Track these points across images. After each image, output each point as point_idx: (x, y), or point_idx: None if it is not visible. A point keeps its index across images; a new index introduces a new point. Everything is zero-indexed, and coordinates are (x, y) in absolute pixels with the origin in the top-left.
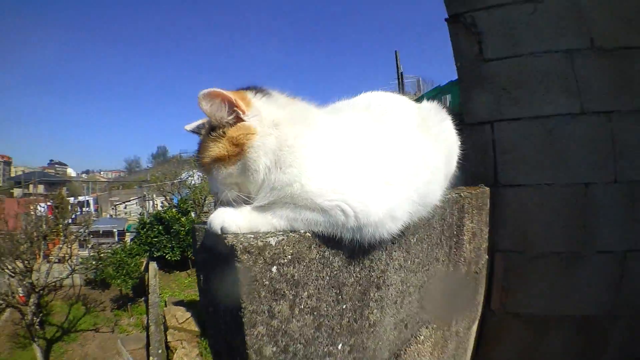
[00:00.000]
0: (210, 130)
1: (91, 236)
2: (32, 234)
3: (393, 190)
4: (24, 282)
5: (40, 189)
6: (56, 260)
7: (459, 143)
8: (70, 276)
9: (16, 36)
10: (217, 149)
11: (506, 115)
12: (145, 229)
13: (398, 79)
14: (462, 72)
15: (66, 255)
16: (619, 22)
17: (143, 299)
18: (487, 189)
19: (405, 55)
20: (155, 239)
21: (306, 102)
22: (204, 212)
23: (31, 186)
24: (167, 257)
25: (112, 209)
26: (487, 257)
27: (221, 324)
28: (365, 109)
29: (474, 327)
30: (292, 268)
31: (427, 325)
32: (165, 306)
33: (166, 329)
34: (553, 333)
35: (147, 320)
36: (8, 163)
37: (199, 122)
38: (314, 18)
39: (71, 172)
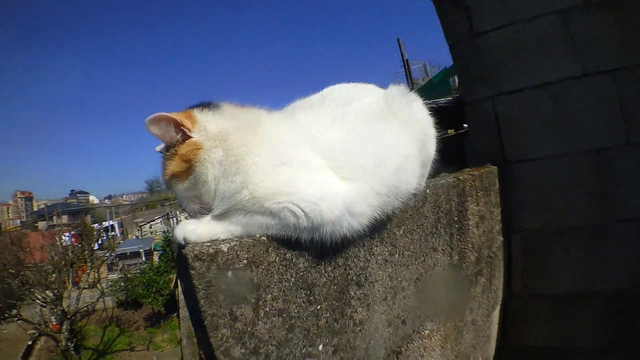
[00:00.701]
0: (166, 150)
1: (118, 259)
2: (60, 263)
3: (351, 185)
4: (56, 310)
5: (64, 219)
6: (86, 287)
7: (434, 127)
8: (101, 300)
9: (28, 68)
10: (172, 166)
11: (506, 88)
12: (170, 247)
13: (404, 66)
14: (456, 50)
15: (95, 281)
16: None
17: (175, 314)
18: (495, 167)
19: (410, 42)
20: None
21: (257, 109)
22: None
23: (55, 217)
24: None
25: (138, 230)
26: (501, 239)
27: (196, 332)
28: (320, 105)
29: (495, 314)
30: (249, 272)
31: (431, 319)
32: None
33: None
34: (583, 311)
35: (180, 334)
36: (29, 198)
37: (161, 145)
38: (315, 9)
39: (94, 199)
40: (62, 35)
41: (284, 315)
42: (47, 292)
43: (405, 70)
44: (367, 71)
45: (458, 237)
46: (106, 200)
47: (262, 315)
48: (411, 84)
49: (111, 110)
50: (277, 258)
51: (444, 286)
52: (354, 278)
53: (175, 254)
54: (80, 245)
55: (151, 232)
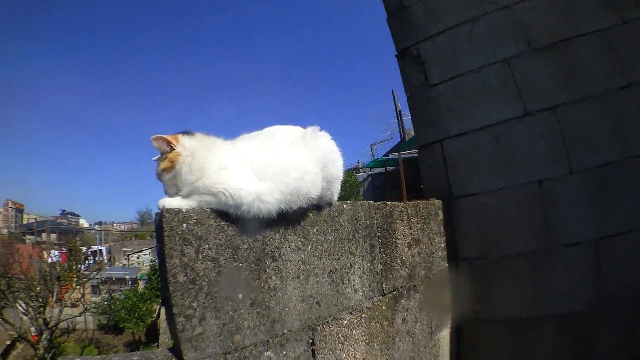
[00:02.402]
0: (160, 156)
1: (104, 283)
2: (46, 274)
3: (263, 184)
4: (37, 318)
5: (53, 238)
6: (69, 304)
7: (339, 153)
8: (83, 318)
9: (33, 83)
10: (163, 164)
11: (452, 132)
12: (156, 275)
13: (397, 117)
14: (412, 101)
15: (78, 299)
16: (553, 17)
17: (156, 343)
18: (438, 201)
19: (404, 95)
20: None
21: (215, 137)
22: None
23: (44, 234)
24: None
25: (125, 258)
26: (446, 265)
27: (160, 267)
28: (254, 137)
29: (443, 335)
30: (196, 227)
31: (350, 312)
32: None
33: None
34: (535, 335)
35: None
36: (20, 210)
37: (157, 156)
38: (306, 66)
39: (83, 222)
40: (66, 40)
41: (215, 262)
42: (31, 300)
43: (397, 120)
44: (360, 121)
45: (382, 249)
46: (96, 226)
47: (201, 257)
48: (403, 134)
49: (110, 135)
50: (214, 223)
51: (363, 287)
52: (270, 252)
53: (157, 218)
54: (68, 263)
55: (138, 263)
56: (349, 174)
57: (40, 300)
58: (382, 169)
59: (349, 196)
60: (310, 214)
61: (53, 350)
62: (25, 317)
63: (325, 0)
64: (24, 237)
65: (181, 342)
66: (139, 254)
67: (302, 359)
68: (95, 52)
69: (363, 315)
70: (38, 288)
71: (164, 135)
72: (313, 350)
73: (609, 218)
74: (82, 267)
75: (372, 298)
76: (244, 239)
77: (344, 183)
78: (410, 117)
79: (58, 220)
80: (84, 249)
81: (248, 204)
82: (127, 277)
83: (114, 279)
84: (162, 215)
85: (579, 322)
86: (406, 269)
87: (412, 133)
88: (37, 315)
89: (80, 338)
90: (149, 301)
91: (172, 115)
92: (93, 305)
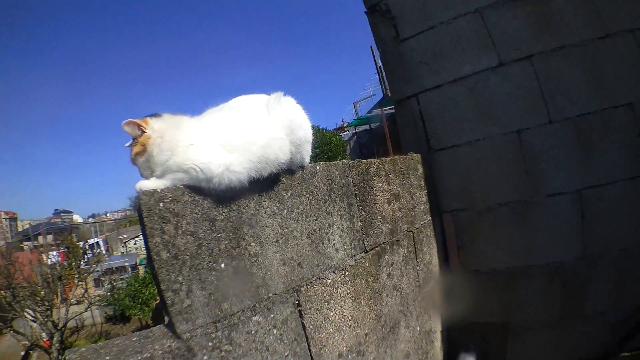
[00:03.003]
0: (132, 141)
1: (105, 274)
2: (48, 277)
3: (231, 155)
4: (46, 322)
5: (49, 239)
6: (74, 302)
7: (306, 116)
8: (90, 313)
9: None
10: (136, 149)
11: (427, 86)
12: None
13: (378, 73)
14: (385, 57)
15: (82, 295)
16: None
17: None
18: (417, 155)
19: None
20: None
21: (182, 115)
22: None
23: (40, 237)
24: None
25: (123, 246)
26: (429, 218)
27: (145, 246)
28: (219, 110)
29: (430, 287)
30: (172, 205)
31: (333, 271)
32: None
33: None
34: (523, 286)
35: None
36: (14, 219)
37: (130, 141)
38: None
39: (77, 218)
40: (42, 39)
41: (194, 235)
42: (37, 306)
43: (378, 76)
44: (343, 79)
45: (360, 207)
46: (90, 219)
47: (180, 233)
48: (385, 90)
49: (90, 128)
50: (190, 198)
51: (344, 245)
52: (246, 220)
53: (135, 201)
54: (67, 261)
55: (136, 248)
56: (333, 133)
57: (47, 303)
58: (367, 127)
59: (336, 156)
60: (283, 179)
61: (66, 352)
62: (34, 325)
63: None
64: (21, 245)
65: (172, 316)
66: (136, 239)
67: (290, 320)
68: (63, 38)
69: (347, 273)
70: (42, 292)
71: (134, 120)
72: (300, 311)
73: (592, 169)
74: (82, 262)
75: (354, 256)
76: (220, 210)
77: (329, 143)
78: None
79: (52, 221)
80: (81, 244)
81: (218, 175)
82: (126, 264)
83: (114, 269)
84: (139, 197)
85: (568, 273)
86: (387, 225)
87: None
88: (46, 319)
89: (90, 334)
90: (151, 284)
91: (144, 96)
92: (97, 298)
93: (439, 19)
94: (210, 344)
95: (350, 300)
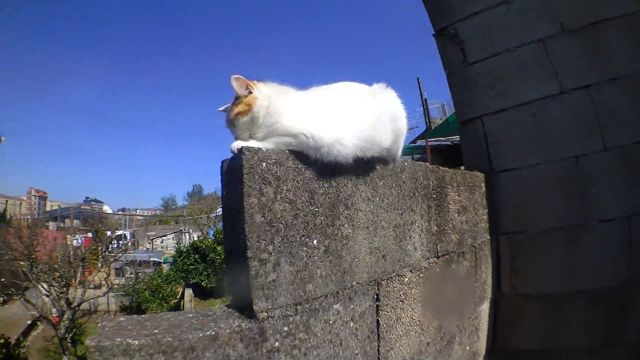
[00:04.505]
0: (235, 100)
1: (128, 264)
2: (70, 256)
3: (340, 127)
4: (60, 301)
5: (77, 223)
6: (92, 286)
7: (403, 111)
8: (106, 299)
9: (58, 70)
10: (238, 108)
11: (492, 109)
12: (181, 257)
13: (422, 104)
14: (452, 79)
15: (102, 280)
16: (584, 1)
17: None
18: (481, 174)
19: (429, 82)
20: (192, 267)
21: (288, 86)
22: None
23: (67, 220)
24: (202, 284)
25: (149, 243)
26: (488, 236)
27: (231, 212)
28: (326, 88)
29: (484, 308)
30: (275, 167)
31: (411, 270)
32: None
33: None
34: (569, 310)
35: None
36: (43, 198)
37: (225, 106)
38: (333, 46)
39: (107, 209)
40: (89, 32)
41: (292, 204)
42: (53, 282)
43: (423, 108)
44: None
45: (437, 211)
46: (119, 212)
47: (279, 198)
48: (428, 122)
49: (136, 124)
50: (293, 165)
51: (421, 245)
52: (343, 200)
53: (226, 168)
54: (92, 245)
55: (162, 247)
56: None
57: (64, 282)
58: (410, 157)
59: None
60: (378, 167)
61: (74, 331)
62: (46, 299)
63: None
64: (47, 224)
65: (252, 290)
66: (163, 238)
67: (367, 314)
68: (117, 41)
69: (421, 275)
70: (62, 270)
71: (243, 78)
72: (377, 307)
73: (637, 196)
74: (106, 249)
75: (428, 258)
76: (320, 184)
77: None
78: (435, 105)
79: (82, 207)
80: (108, 232)
81: (328, 145)
82: (151, 259)
83: (138, 262)
84: (242, 152)
85: (612, 298)
86: (456, 235)
87: (438, 121)
88: (60, 296)
89: (101, 319)
90: (173, 282)
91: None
92: (117, 286)
93: (503, 46)
94: (285, 328)
95: (420, 304)
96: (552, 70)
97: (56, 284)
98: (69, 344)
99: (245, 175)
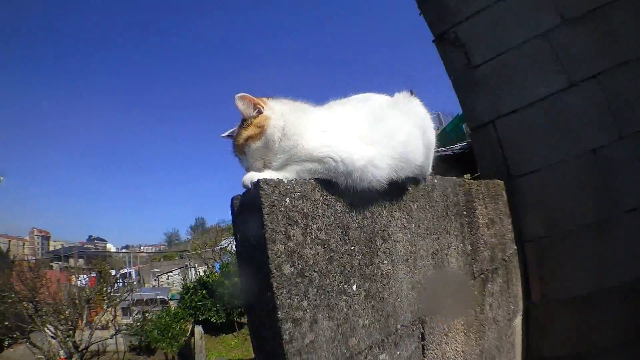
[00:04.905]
0: (242, 123)
1: (135, 302)
2: (75, 297)
3: (372, 148)
4: (67, 341)
5: (81, 262)
6: (99, 327)
7: (431, 121)
8: (114, 340)
9: (54, 109)
10: (247, 132)
11: (503, 111)
12: (189, 294)
13: None
14: (457, 84)
15: (109, 321)
16: None
17: None
18: (501, 181)
19: (423, 93)
20: (200, 303)
21: (302, 102)
22: None
23: (71, 259)
24: (212, 319)
25: (155, 280)
26: (515, 247)
27: (250, 261)
28: (346, 103)
29: (517, 322)
30: (301, 202)
31: (453, 299)
32: None
33: None
34: (601, 308)
35: None
36: (47, 238)
37: (229, 131)
38: (323, 60)
39: (111, 247)
40: (86, 69)
41: (325, 246)
42: (59, 324)
43: None
44: None
45: (469, 229)
46: (123, 249)
47: (309, 240)
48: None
49: (133, 160)
50: (321, 197)
51: (459, 269)
52: (379, 232)
53: (238, 205)
54: (97, 285)
55: (168, 283)
56: None
57: (70, 323)
58: None
59: None
60: (410, 188)
61: None
62: (53, 341)
63: None
64: (50, 264)
65: (288, 358)
66: (169, 274)
67: (413, 357)
68: (118, 75)
69: (461, 302)
70: (67, 312)
71: (250, 96)
72: (423, 347)
73: None
74: (112, 289)
75: (466, 282)
76: (354, 216)
77: None
78: (431, 116)
79: (85, 246)
80: (113, 271)
81: (360, 170)
82: (158, 297)
83: (145, 300)
84: (259, 187)
85: None
86: (488, 251)
87: (435, 132)
88: (67, 339)
89: None
90: (182, 320)
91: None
92: (124, 326)
93: (507, 45)
94: None
95: (463, 334)
96: (559, 63)
97: (62, 327)
98: None
99: (266, 216)
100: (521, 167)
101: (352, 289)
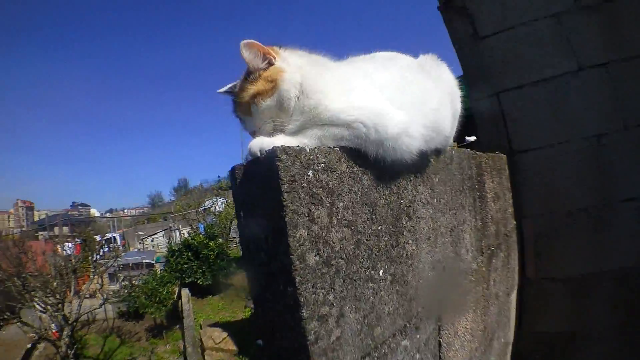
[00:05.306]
0: (247, 75)
1: (121, 268)
2: (62, 269)
3: (404, 112)
4: (57, 315)
5: (65, 230)
6: (87, 296)
7: (459, 90)
8: (103, 308)
9: (35, 76)
10: (255, 87)
11: (509, 85)
12: (174, 257)
13: None
14: (462, 53)
15: (97, 289)
16: None
17: (178, 326)
18: (503, 155)
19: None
20: (186, 266)
21: (319, 54)
22: (232, 238)
23: (56, 228)
24: (199, 282)
25: (140, 243)
26: (514, 222)
27: (259, 247)
28: (370, 59)
29: (513, 296)
30: (326, 175)
31: (465, 276)
32: (201, 329)
33: (203, 350)
34: (594, 291)
35: (184, 343)
36: (30, 208)
37: (229, 85)
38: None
39: (95, 212)
40: (65, 39)
41: (352, 227)
42: (48, 298)
43: None
44: None
45: (480, 204)
46: (107, 214)
47: (335, 222)
48: None
49: (113, 122)
50: (347, 169)
51: (471, 246)
52: (405, 208)
53: (241, 177)
54: (83, 254)
55: (153, 246)
56: None
57: (58, 296)
58: None
59: None
60: (432, 160)
61: (75, 346)
62: (44, 315)
63: None
64: (36, 234)
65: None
66: (153, 237)
67: (430, 339)
68: (94, 41)
69: (472, 279)
70: (55, 283)
71: (259, 43)
72: (439, 327)
73: None
74: (98, 256)
75: (476, 258)
76: (380, 191)
77: None
78: None
79: (69, 213)
80: (97, 237)
81: (394, 138)
82: (143, 261)
83: (131, 265)
84: (276, 157)
85: (636, 277)
86: (494, 226)
87: None
88: (56, 313)
89: (101, 328)
90: (169, 284)
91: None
92: (112, 293)
93: (517, 20)
94: None
95: (472, 311)
96: (569, 47)
97: (50, 300)
98: None
99: (285, 195)
100: (524, 144)
101: (378, 274)
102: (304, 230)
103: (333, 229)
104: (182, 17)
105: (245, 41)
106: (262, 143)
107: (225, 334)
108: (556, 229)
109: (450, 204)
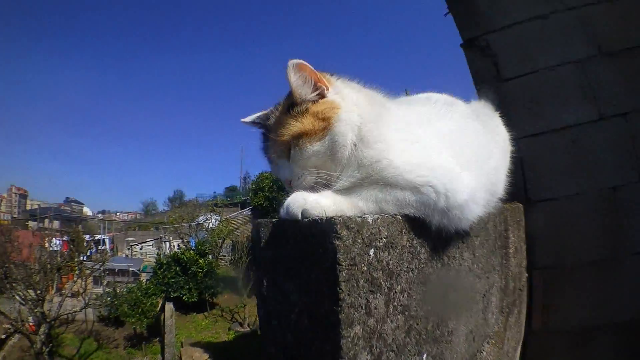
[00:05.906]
0: (288, 107)
1: (106, 273)
2: (46, 264)
3: (470, 174)
4: (35, 311)
5: (56, 224)
6: (69, 295)
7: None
8: (83, 311)
9: (40, 73)
10: (300, 124)
11: (529, 132)
12: (162, 269)
13: None
14: (482, 94)
15: (80, 290)
16: (622, 24)
17: (158, 339)
18: (521, 205)
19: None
20: (173, 280)
21: (371, 89)
22: (222, 256)
23: (46, 221)
24: (184, 297)
25: (128, 249)
26: (526, 275)
27: (294, 337)
28: (427, 102)
29: (519, 350)
30: (387, 254)
31: (488, 341)
32: (182, 347)
33: None
34: (599, 343)
35: (162, 359)
36: (24, 196)
37: (258, 114)
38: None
39: (87, 210)
40: (81, 37)
41: (405, 313)
42: (29, 290)
43: None
44: None
45: (504, 261)
46: (99, 214)
47: (391, 310)
48: None
49: (116, 124)
50: (408, 243)
51: (495, 308)
52: (451, 281)
53: (269, 238)
54: (69, 251)
55: (141, 254)
56: None
57: (39, 292)
58: None
59: None
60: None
61: (51, 344)
62: (23, 307)
63: None
64: (26, 223)
65: None
66: (143, 244)
67: None
68: (103, 42)
69: (492, 342)
70: (37, 278)
71: (311, 67)
72: None
73: None
74: (84, 257)
75: (498, 320)
76: (434, 265)
77: None
78: None
79: (62, 208)
80: (86, 237)
81: (461, 205)
82: (130, 269)
83: (117, 271)
84: (335, 235)
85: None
86: (512, 282)
87: None
88: (35, 309)
89: (79, 330)
90: (154, 296)
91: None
92: (94, 297)
93: (541, 64)
94: None
95: None
96: (592, 94)
97: (31, 295)
98: (46, 358)
99: (343, 285)
100: (540, 193)
101: (422, 359)
102: (359, 327)
103: (388, 319)
104: (199, 27)
105: (294, 61)
106: (304, 203)
107: (206, 356)
108: (564, 281)
109: (485, 267)
